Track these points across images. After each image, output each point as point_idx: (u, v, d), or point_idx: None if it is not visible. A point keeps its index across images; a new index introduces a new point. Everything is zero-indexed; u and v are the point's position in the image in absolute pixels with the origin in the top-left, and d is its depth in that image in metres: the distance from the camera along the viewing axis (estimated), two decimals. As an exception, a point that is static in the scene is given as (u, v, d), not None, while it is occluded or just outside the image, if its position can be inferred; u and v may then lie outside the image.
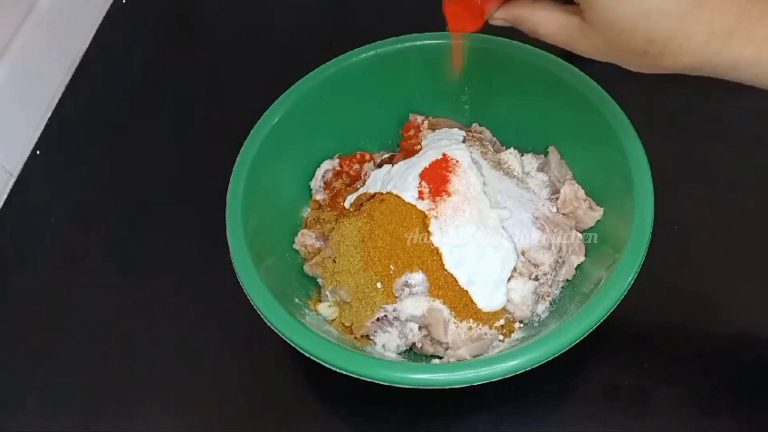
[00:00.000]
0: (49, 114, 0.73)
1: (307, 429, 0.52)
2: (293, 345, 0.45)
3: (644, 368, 0.52)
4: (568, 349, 0.43)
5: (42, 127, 0.72)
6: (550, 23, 0.42)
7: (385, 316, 0.50)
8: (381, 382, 0.43)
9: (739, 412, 0.50)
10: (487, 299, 0.50)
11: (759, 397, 0.50)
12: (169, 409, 0.54)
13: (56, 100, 0.74)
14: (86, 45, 0.78)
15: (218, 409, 0.54)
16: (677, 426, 0.49)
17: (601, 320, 0.44)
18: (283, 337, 0.45)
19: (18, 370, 0.57)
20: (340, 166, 0.60)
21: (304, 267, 0.55)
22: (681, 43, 0.39)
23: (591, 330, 0.43)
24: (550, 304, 0.52)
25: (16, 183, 0.68)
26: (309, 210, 0.58)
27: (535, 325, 0.51)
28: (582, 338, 0.43)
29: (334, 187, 0.58)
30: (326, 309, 0.52)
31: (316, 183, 0.59)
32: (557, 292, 0.52)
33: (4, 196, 0.68)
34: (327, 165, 0.60)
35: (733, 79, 0.41)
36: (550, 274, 0.52)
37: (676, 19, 0.38)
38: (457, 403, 0.51)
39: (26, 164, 0.70)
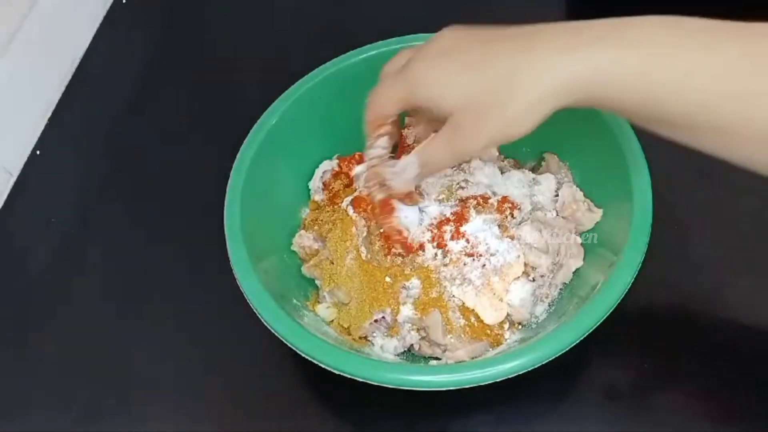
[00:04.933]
0: (49, 114, 0.73)
1: (306, 429, 0.52)
2: (293, 348, 0.45)
3: (644, 368, 0.52)
4: (568, 349, 0.43)
5: (42, 127, 0.72)
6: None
7: (383, 317, 0.50)
8: (382, 385, 0.43)
9: (739, 413, 0.49)
10: (493, 315, 0.50)
11: (759, 398, 0.50)
12: (169, 409, 0.54)
13: (56, 100, 0.74)
14: (86, 45, 0.78)
15: (218, 409, 0.54)
16: (677, 426, 0.49)
17: (602, 320, 0.44)
18: (283, 340, 0.45)
19: (18, 370, 0.57)
20: (339, 166, 0.59)
21: (302, 268, 0.55)
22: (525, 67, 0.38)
23: (592, 329, 0.43)
24: (549, 305, 0.52)
25: (16, 183, 0.69)
26: (307, 211, 0.58)
27: (533, 326, 0.51)
28: (583, 338, 0.43)
29: (333, 188, 0.58)
30: (324, 310, 0.52)
31: (315, 184, 0.59)
32: (555, 293, 0.52)
33: (4, 196, 0.68)
34: (326, 166, 0.59)
35: (608, 101, 0.38)
36: (548, 276, 0.52)
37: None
38: (455, 403, 0.51)
39: (26, 164, 0.70)
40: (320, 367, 0.44)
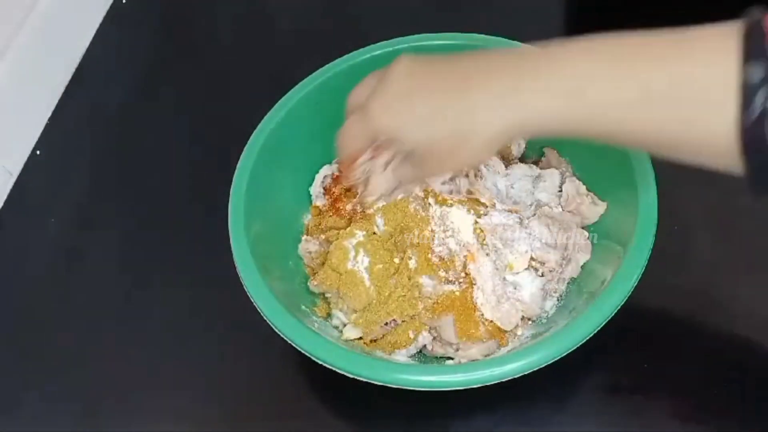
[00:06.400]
0: (49, 114, 0.73)
1: (307, 429, 0.52)
2: (304, 352, 0.44)
3: (644, 368, 0.52)
4: (576, 347, 0.43)
5: (42, 127, 0.72)
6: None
7: (394, 319, 0.50)
8: (397, 387, 0.43)
9: (739, 413, 0.50)
10: (510, 321, 0.50)
11: (759, 398, 0.50)
12: (169, 409, 0.54)
13: (56, 100, 0.74)
14: (86, 45, 0.78)
15: (218, 410, 0.54)
16: (677, 426, 0.49)
17: (614, 312, 0.44)
18: (299, 348, 0.45)
19: (17, 370, 0.57)
20: (339, 171, 0.59)
21: (309, 284, 0.54)
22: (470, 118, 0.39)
23: (605, 322, 0.43)
24: (557, 300, 0.52)
25: (16, 183, 0.68)
26: (309, 216, 0.58)
27: (544, 321, 0.51)
28: (596, 331, 0.43)
29: (334, 193, 0.58)
30: (351, 330, 0.52)
31: (316, 189, 0.59)
32: (563, 288, 0.52)
33: (4, 196, 0.67)
34: (326, 170, 0.59)
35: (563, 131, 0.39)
36: (557, 271, 0.52)
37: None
38: (457, 403, 0.51)
39: (26, 164, 0.70)
40: (322, 368, 0.44)
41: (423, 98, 0.41)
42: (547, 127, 0.39)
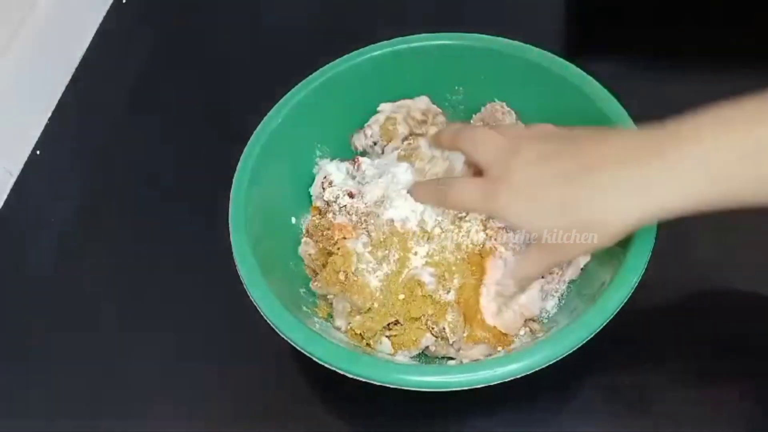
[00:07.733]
0: (49, 114, 0.73)
1: (307, 429, 0.52)
2: (312, 356, 0.44)
3: (644, 368, 0.52)
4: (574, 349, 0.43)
5: (42, 127, 0.72)
6: None
7: (397, 321, 0.50)
8: (399, 387, 0.43)
9: (739, 413, 0.50)
10: (513, 326, 0.50)
11: (760, 398, 0.50)
12: (169, 409, 0.54)
13: (56, 100, 0.74)
14: (86, 45, 0.78)
15: (218, 410, 0.54)
16: (677, 426, 0.49)
17: (615, 313, 0.44)
18: (299, 348, 0.45)
19: (17, 370, 0.57)
20: None
21: (311, 284, 0.54)
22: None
23: (606, 322, 0.43)
24: (559, 300, 0.52)
25: (16, 183, 0.68)
26: (309, 217, 0.58)
27: (545, 321, 0.51)
28: (597, 331, 0.43)
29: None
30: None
31: (316, 189, 0.58)
32: (564, 288, 0.52)
33: (4, 196, 0.67)
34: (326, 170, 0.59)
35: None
36: (557, 273, 0.52)
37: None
38: (457, 403, 0.51)
39: (26, 164, 0.70)
40: (323, 368, 0.44)
41: (551, 188, 0.42)
42: (683, 211, 0.40)
